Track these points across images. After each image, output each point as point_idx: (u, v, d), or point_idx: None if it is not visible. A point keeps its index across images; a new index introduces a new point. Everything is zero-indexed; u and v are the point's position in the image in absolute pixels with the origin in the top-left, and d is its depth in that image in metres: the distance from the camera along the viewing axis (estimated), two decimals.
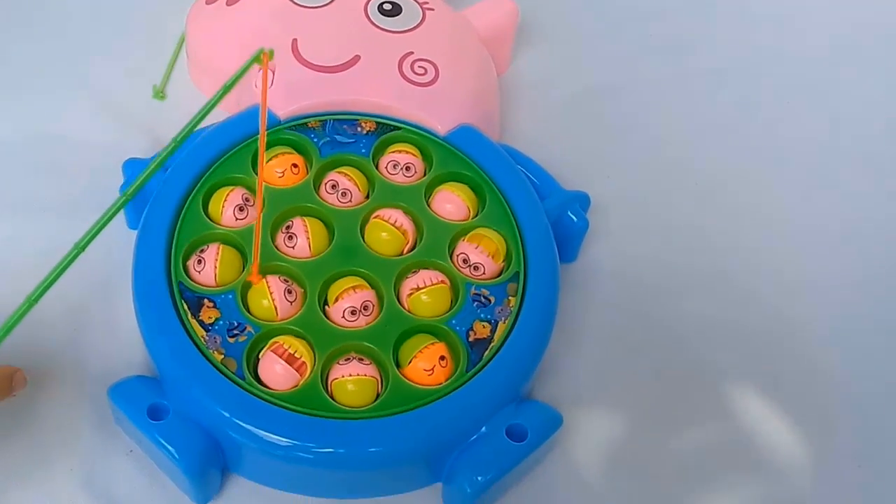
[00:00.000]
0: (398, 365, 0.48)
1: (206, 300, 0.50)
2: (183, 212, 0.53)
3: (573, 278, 0.58)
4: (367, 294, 0.50)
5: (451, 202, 0.55)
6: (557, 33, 0.74)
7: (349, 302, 0.50)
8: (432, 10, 0.63)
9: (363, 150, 0.57)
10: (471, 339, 0.49)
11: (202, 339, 0.48)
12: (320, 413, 0.46)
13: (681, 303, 0.59)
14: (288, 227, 0.53)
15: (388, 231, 0.53)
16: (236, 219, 0.53)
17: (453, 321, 0.50)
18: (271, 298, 0.49)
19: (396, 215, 0.53)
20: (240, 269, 0.51)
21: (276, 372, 0.47)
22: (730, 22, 0.78)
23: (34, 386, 0.50)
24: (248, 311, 0.50)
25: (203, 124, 0.59)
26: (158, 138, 0.63)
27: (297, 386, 0.47)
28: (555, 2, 0.76)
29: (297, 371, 0.47)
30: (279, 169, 0.55)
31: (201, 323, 0.49)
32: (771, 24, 0.78)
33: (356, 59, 0.59)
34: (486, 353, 0.49)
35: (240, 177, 0.55)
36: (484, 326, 0.50)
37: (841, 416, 0.54)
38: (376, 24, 0.61)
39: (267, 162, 0.56)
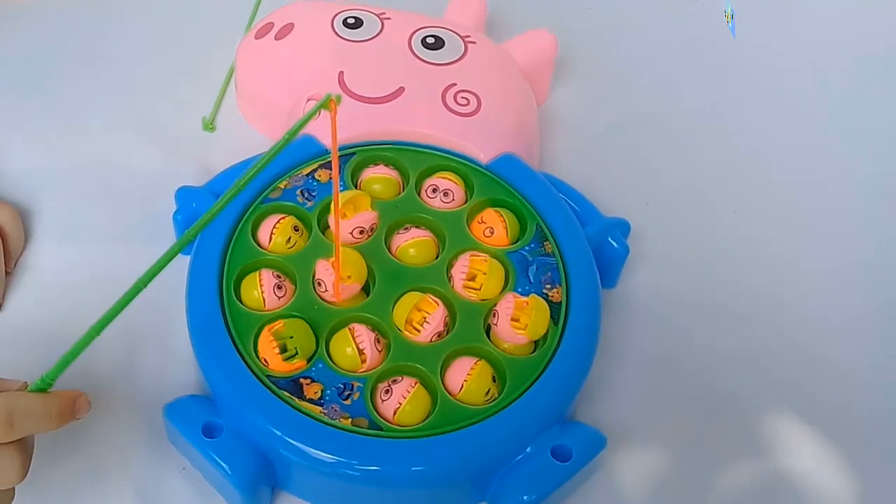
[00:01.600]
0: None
1: (300, 379, 0.49)
2: (234, 238, 0.55)
3: (613, 303, 0.59)
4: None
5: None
6: (594, 64, 0.76)
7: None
8: (474, 42, 0.65)
9: (519, 290, 0.54)
10: (298, 381, 0.49)
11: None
12: (368, 432, 0.47)
13: (719, 329, 0.60)
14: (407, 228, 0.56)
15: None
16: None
17: (318, 365, 0.49)
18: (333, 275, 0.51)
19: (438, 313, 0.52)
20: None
21: None
22: (769, 54, 0.79)
23: (91, 405, 0.52)
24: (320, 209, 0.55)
25: (252, 153, 0.62)
26: (208, 167, 0.64)
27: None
28: (592, 34, 0.78)
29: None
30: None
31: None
32: (809, 56, 0.80)
33: (401, 90, 0.61)
34: (292, 397, 0.48)
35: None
36: (315, 393, 0.49)
37: (885, 450, 0.55)
38: (420, 56, 0.63)
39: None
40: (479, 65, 0.64)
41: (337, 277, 0.51)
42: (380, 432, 0.47)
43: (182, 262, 0.58)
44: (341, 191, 0.55)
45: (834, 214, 0.67)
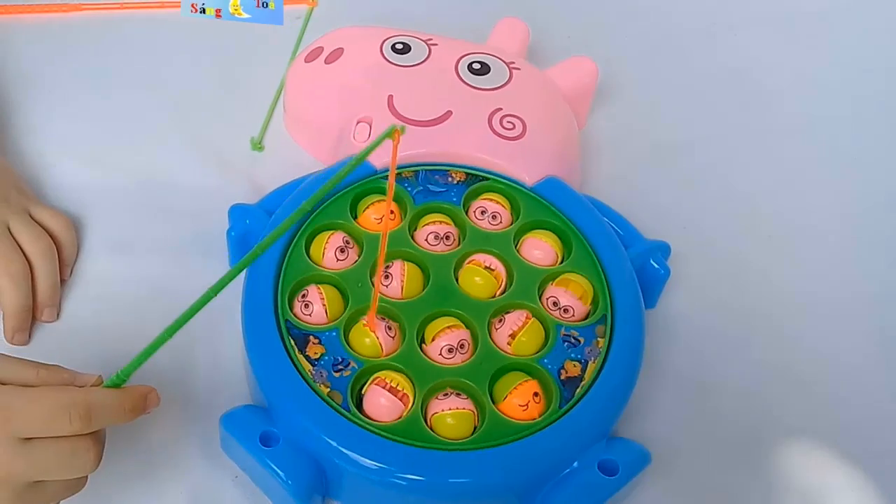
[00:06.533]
0: (493, 401, 0.51)
1: (311, 337, 0.53)
2: (287, 255, 0.57)
3: (654, 323, 0.60)
4: (463, 333, 0.53)
5: (540, 248, 0.58)
6: (631, 91, 0.77)
7: (446, 340, 0.53)
8: (518, 69, 0.67)
9: (454, 199, 0.60)
10: (562, 378, 0.52)
11: (309, 374, 0.51)
12: (419, 443, 0.49)
13: (756, 350, 0.61)
14: (387, 268, 0.56)
15: (482, 275, 0.56)
16: (337, 259, 0.57)
17: (545, 360, 0.53)
18: (374, 335, 0.53)
19: (490, 260, 0.57)
20: (342, 308, 0.55)
21: (380, 404, 0.50)
22: (805, 79, 0.81)
23: (146, 415, 0.54)
24: (351, 348, 0.53)
25: (299, 173, 0.64)
26: (257, 185, 0.66)
27: (399, 418, 0.50)
28: (631, 61, 0.80)
29: (400, 401, 0.50)
30: (376, 215, 0.59)
31: (308, 358, 0.52)
32: (846, 83, 0.81)
33: (448, 114, 0.63)
34: (578, 390, 0.51)
35: (340, 222, 0.59)
36: (574, 365, 0.53)
37: None
38: (467, 82, 0.65)
39: (364, 210, 0.60)
40: (523, 90, 0.65)
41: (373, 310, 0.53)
42: (429, 444, 0.49)
43: (237, 277, 0.60)
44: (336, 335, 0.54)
45: (873, 241, 0.69)
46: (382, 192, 0.61)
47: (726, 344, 0.61)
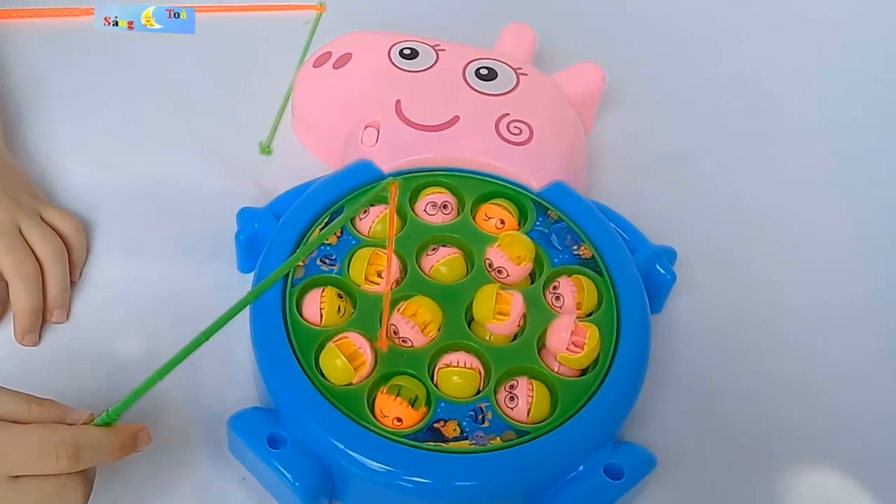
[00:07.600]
0: (384, 390, 0.51)
1: (341, 231, 0.58)
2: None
3: (660, 328, 0.60)
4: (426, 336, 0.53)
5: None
6: (636, 97, 0.78)
7: (407, 329, 0.53)
8: (525, 74, 0.67)
9: (556, 261, 0.58)
10: (434, 427, 0.50)
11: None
12: (424, 446, 0.49)
13: (761, 355, 0.61)
14: (442, 245, 0.58)
15: (492, 301, 0.53)
16: (425, 210, 0.60)
17: (442, 404, 0.51)
18: (365, 276, 0.55)
19: (518, 309, 0.54)
20: (382, 236, 0.58)
21: (313, 309, 0.54)
22: (811, 86, 0.82)
23: (154, 417, 0.54)
24: (348, 263, 0.56)
25: (307, 177, 0.64)
26: (265, 189, 0.67)
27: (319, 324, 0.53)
28: (637, 67, 0.80)
29: (321, 313, 0.54)
30: (488, 215, 0.60)
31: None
32: (849, 89, 0.82)
33: (456, 119, 0.63)
34: (431, 444, 0.49)
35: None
36: (455, 429, 0.50)
37: None
38: (474, 87, 0.65)
39: (484, 204, 0.61)
40: (530, 96, 0.66)
41: (384, 328, 0.53)
42: (435, 445, 0.49)
43: (245, 280, 0.61)
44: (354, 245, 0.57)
45: (879, 247, 0.69)
46: (510, 197, 0.61)
47: (732, 349, 0.61)
